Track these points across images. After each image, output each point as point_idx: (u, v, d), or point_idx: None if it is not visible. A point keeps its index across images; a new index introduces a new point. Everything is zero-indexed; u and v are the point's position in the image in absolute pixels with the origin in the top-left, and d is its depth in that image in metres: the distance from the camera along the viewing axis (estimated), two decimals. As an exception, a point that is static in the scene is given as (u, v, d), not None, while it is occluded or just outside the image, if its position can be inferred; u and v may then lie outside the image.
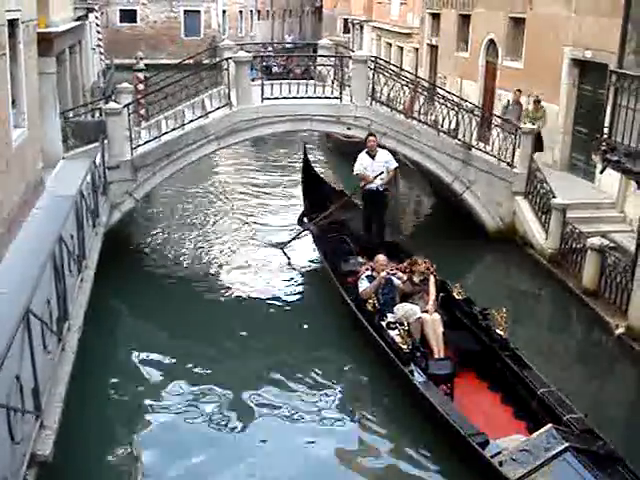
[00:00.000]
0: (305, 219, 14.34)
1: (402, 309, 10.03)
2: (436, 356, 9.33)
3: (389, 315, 10.01)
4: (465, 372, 9.21)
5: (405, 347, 8.97)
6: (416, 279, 10.41)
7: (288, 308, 12.39)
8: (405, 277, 10.52)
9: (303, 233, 14.44)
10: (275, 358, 10.47)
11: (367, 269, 10.79)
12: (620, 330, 10.78)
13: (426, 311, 9.83)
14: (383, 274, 10.35)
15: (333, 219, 13.68)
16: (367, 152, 13.11)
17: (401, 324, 9.48)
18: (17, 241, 10.80)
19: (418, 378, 8.66)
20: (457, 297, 10.37)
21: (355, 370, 10.19)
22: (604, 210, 14.58)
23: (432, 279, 10.43)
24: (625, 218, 14.17)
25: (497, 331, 9.30)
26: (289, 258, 14.28)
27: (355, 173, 13.27)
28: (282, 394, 9.51)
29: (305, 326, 11.56)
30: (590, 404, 8.88)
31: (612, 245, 12.38)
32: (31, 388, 6.52)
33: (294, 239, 14.62)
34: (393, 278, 10.45)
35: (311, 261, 14.18)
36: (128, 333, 11.74)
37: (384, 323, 9.82)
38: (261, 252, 14.65)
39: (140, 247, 15.16)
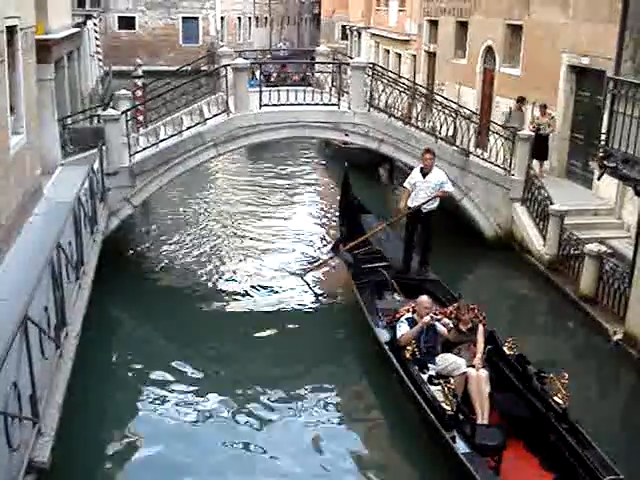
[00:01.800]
0: (341, 246, 13.05)
1: (445, 361, 8.79)
2: (479, 420, 8.09)
3: (430, 366, 8.82)
4: (513, 442, 7.88)
5: (449, 409, 7.69)
6: (463, 327, 9.11)
7: (306, 340, 11.46)
8: (451, 324, 9.26)
9: (329, 260, 13.74)
10: (288, 399, 9.57)
11: (408, 310, 9.53)
12: (618, 336, 10.78)
13: (472, 366, 8.56)
14: (427, 319, 8.99)
15: (371, 249, 12.57)
16: (421, 168, 12.06)
17: (445, 379, 8.18)
18: (15, 247, 10.80)
19: (461, 448, 7.44)
20: (508, 352, 8.96)
21: (385, 426, 9.30)
22: (602, 216, 14.59)
23: (481, 329, 9.13)
24: (623, 224, 14.18)
25: (555, 399, 7.88)
26: (309, 284, 13.45)
27: (402, 187, 12.48)
28: (298, 450, 8.54)
29: (328, 366, 10.70)
30: (588, 410, 8.88)
31: (610, 251, 12.37)
32: (29, 395, 6.51)
33: (318, 266, 13.90)
34: (437, 324, 9.17)
35: (341, 292, 13.14)
36: (126, 340, 11.73)
37: (425, 376, 8.59)
38: (271, 268, 14.25)
39: (138, 254, 15.17)
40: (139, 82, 20.84)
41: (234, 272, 14.03)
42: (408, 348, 8.81)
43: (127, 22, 48.79)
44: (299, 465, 8.28)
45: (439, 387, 8.06)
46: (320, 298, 13.15)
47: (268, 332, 11.67)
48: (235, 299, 12.88)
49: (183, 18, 49.75)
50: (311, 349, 11.11)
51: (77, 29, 20.18)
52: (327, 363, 10.78)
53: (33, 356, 6.68)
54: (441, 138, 15.14)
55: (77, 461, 8.03)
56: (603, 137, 10.57)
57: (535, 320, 12.68)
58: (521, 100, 17.33)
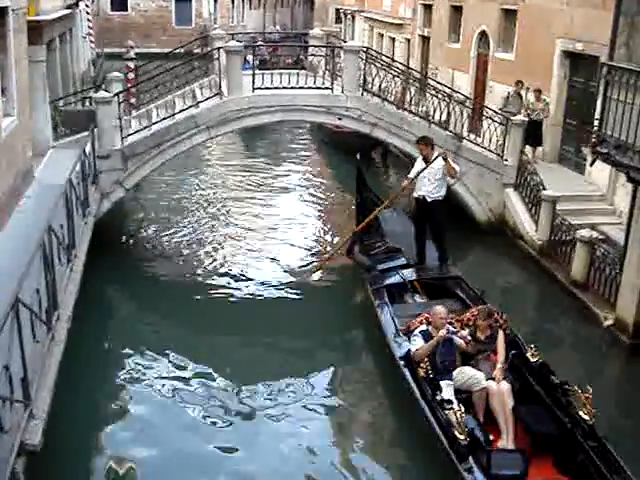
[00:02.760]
0: (356, 248, 12.00)
1: (462, 375, 8.19)
2: (503, 440, 7.61)
3: (444, 383, 8.04)
4: (539, 459, 7.32)
5: (462, 437, 7.02)
6: (481, 335, 8.55)
7: (312, 346, 10.86)
8: (469, 336, 8.60)
9: (334, 255, 12.71)
10: (289, 408, 9.06)
11: (422, 322, 8.91)
12: (608, 322, 10.84)
13: (493, 378, 8.01)
14: (442, 332, 8.29)
15: (389, 248, 11.76)
16: (423, 157, 11.52)
17: (465, 394, 7.81)
18: (6, 230, 10.77)
19: None
20: (531, 359, 8.39)
21: (396, 445, 8.65)
22: (594, 202, 14.64)
23: (501, 335, 8.57)
24: (615, 210, 14.23)
25: (581, 414, 7.36)
26: (315, 279, 12.54)
27: (407, 177, 11.75)
28: (294, 461, 8.16)
29: (336, 375, 10.02)
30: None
31: (601, 237, 12.44)
32: (20, 378, 6.52)
33: (323, 263, 12.80)
34: (454, 337, 8.50)
35: (355, 295, 12.18)
36: (118, 322, 11.74)
37: (441, 396, 7.82)
38: (268, 256, 14.03)
39: (130, 237, 15.15)
40: (131, 64, 20.70)
41: (229, 259, 13.97)
42: (422, 365, 8.05)
43: (119, 4, 48.28)
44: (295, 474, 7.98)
45: (452, 412, 7.32)
46: (329, 301, 12.24)
47: (266, 327, 11.24)
48: (228, 287, 12.72)
49: (176, 0, 49.39)
50: (317, 358, 10.46)
51: (69, 10, 19.98)
52: (335, 373, 10.12)
53: (24, 339, 6.69)
54: (434, 123, 15.11)
55: (68, 443, 8.05)
56: (596, 123, 10.57)
57: (526, 306, 12.72)
58: (519, 83, 17.23)
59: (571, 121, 16.54)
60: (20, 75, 12.56)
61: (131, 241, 14.97)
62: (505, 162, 15.01)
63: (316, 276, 12.86)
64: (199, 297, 12.42)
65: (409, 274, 11.06)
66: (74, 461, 8.01)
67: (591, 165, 12.11)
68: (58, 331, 8.26)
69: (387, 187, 19.14)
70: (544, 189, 13.69)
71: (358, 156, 12.92)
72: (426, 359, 8.12)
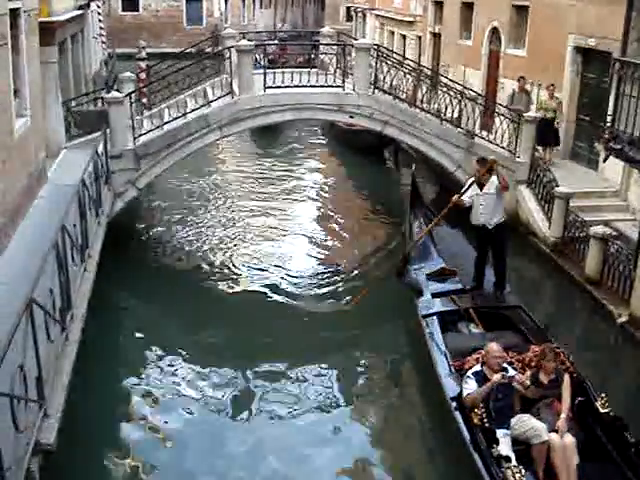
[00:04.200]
0: (408, 269, 10.85)
1: (522, 425, 7.27)
2: None
3: (501, 433, 7.14)
4: None
5: None
6: (544, 379, 7.64)
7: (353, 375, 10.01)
8: (528, 380, 7.61)
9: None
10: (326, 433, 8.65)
11: (477, 360, 7.98)
12: (623, 319, 10.77)
13: (556, 430, 7.14)
14: (497, 377, 7.32)
15: (444, 270, 10.81)
16: (477, 181, 10.51)
17: (517, 445, 7.00)
18: (20, 231, 10.81)
19: None
20: (601, 410, 7.42)
21: None
22: (607, 198, 14.56)
23: (567, 380, 7.65)
24: (628, 206, 14.15)
25: None
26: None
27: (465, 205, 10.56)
28: None
29: (377, 410, 9.31)
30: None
31: (615, 234, 12.35)
32: (35, 377, 6.55)
33: (363, 294, 11.29)
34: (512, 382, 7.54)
35: (402, 320, 11.11)
36: (132, 322, 11.76)
37: (497, 448, 6.93)
38: (284, 265, 13.59)
39: (143, 236, 15.20)
40: (143, 64, 20.79)
41: (242, 261, 13.82)
42: (476, 411, 7.25)
43: (131, 4, 48.47)
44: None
45: (510, 472, 6.55)
46: (374, 325, 11.34)
47: (303, 347, 10.77)
48: (242, 291, 12.60)
49: (187, 0, 49.48)
50: (358, 385, 9.81)
51: (80, 11, 20.05)
52: (378, 405, 9.44)
53: (39, 339, 6.71)
54: (446, 120, 15.09)
55: (83, 442, 8.08)
56: (609, 119, 10.52)
57: (539, 302, 12.65)
58: (522, 79, 17.09)
59: (584, 117, 16.45)
60: (32, 76, 12.61)
61: (144, 240, 15.00)
62: (517, 159, 14.95)
63: (359, 299, 11.38)
64: (214, 299, 12.42)
65: (464, 301, 10.03)
66: (89, 460, 8.04)
67: (604, 161, 12.06)
68: (72, 331, 8.29)
69: (399, 185, 19.12)
70: (557, 186, 13.62)
71: (413, 167, 12.12)
72: (481, 404, 7.32)
